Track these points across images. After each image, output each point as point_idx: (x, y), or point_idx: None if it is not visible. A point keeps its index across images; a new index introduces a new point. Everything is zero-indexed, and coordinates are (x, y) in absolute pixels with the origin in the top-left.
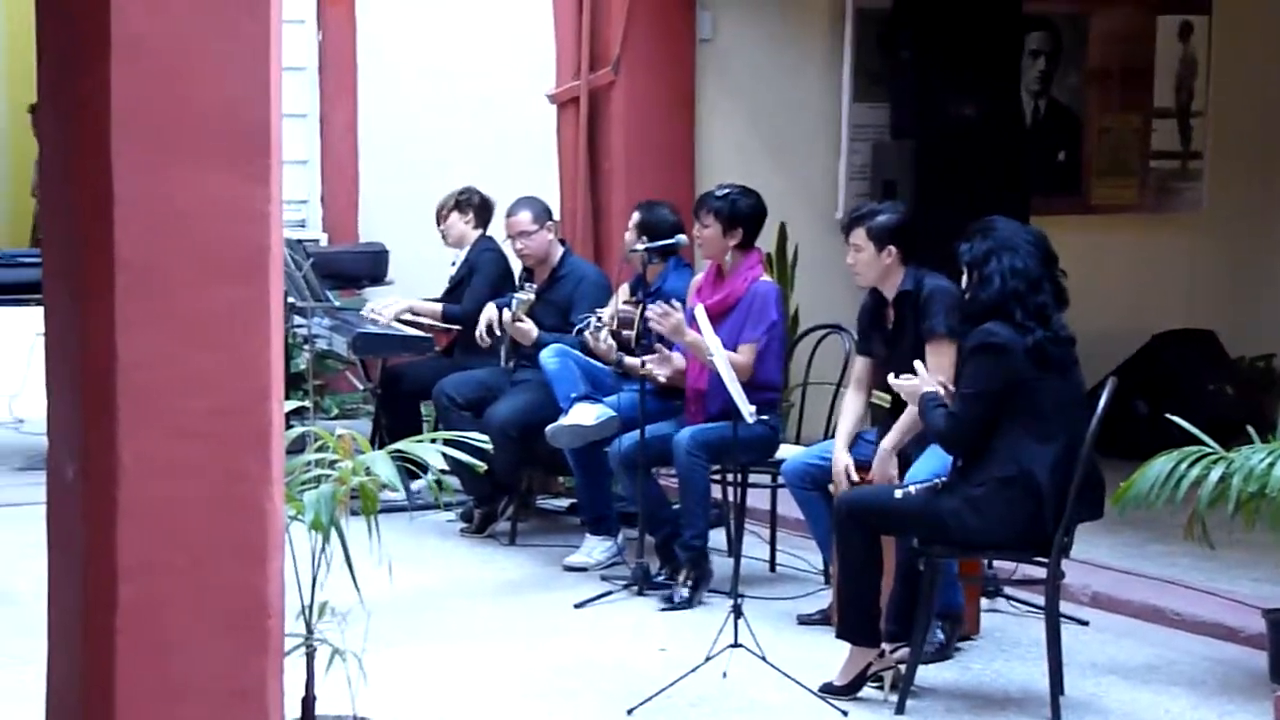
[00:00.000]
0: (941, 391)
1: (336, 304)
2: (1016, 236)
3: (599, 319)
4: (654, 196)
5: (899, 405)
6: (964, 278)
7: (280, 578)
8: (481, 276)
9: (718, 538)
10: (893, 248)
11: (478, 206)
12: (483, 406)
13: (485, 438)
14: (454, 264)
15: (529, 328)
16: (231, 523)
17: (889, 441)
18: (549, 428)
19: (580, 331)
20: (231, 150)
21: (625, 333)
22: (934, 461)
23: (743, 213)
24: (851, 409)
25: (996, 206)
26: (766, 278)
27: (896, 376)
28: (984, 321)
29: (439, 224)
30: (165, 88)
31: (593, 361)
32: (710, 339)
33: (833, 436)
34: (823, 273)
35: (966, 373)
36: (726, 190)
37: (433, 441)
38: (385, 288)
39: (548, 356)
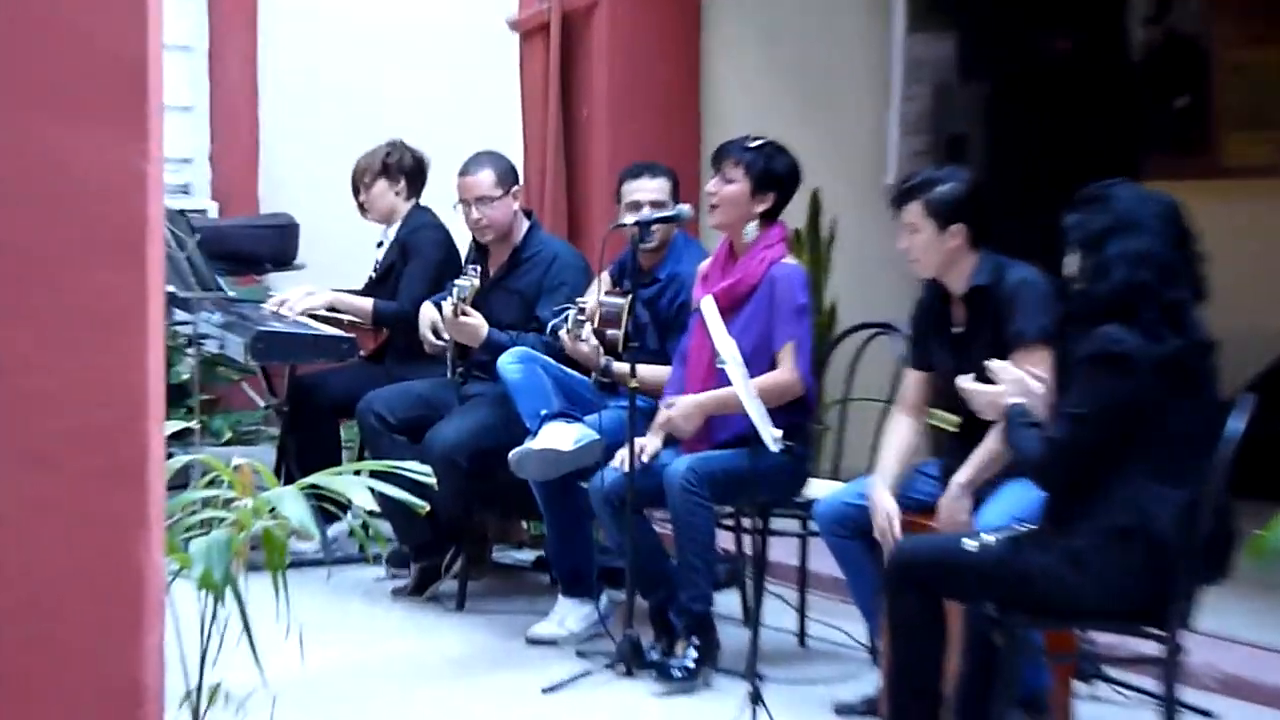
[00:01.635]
0: (1036, 387)
1: (230, 294)
2: (1142, 209)
3: (580, 311)
4: (645, 154)
5: (974, 430)
6: (1073, 263)
7: (159, 652)
8: (420, 261)
9: (729, 602)
10: (960, 226)
11: (410, 170)
12: (422, 428)
13: (426, 468)
14: (380, 243)
15: (476, 322)
16: (95, 579)
17: (964, 475)
18: (512, 454)
19: (555, 329)
20: (95, 93)
21: (610, 331)
22: (1016, 501)
23: (778, 171)
24: (899, 436)
25: (1097, 170)
26: (791, 259)
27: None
28: (1101, 323)
29: (358, 194)
30: (10, 12)
31: (567, 369)
32: (722, 342)
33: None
34: (868, 256)
35: (1077, 389)
36: (760, 141)
37: (357, 474)
38: (293, 273)
39: (509, 363)
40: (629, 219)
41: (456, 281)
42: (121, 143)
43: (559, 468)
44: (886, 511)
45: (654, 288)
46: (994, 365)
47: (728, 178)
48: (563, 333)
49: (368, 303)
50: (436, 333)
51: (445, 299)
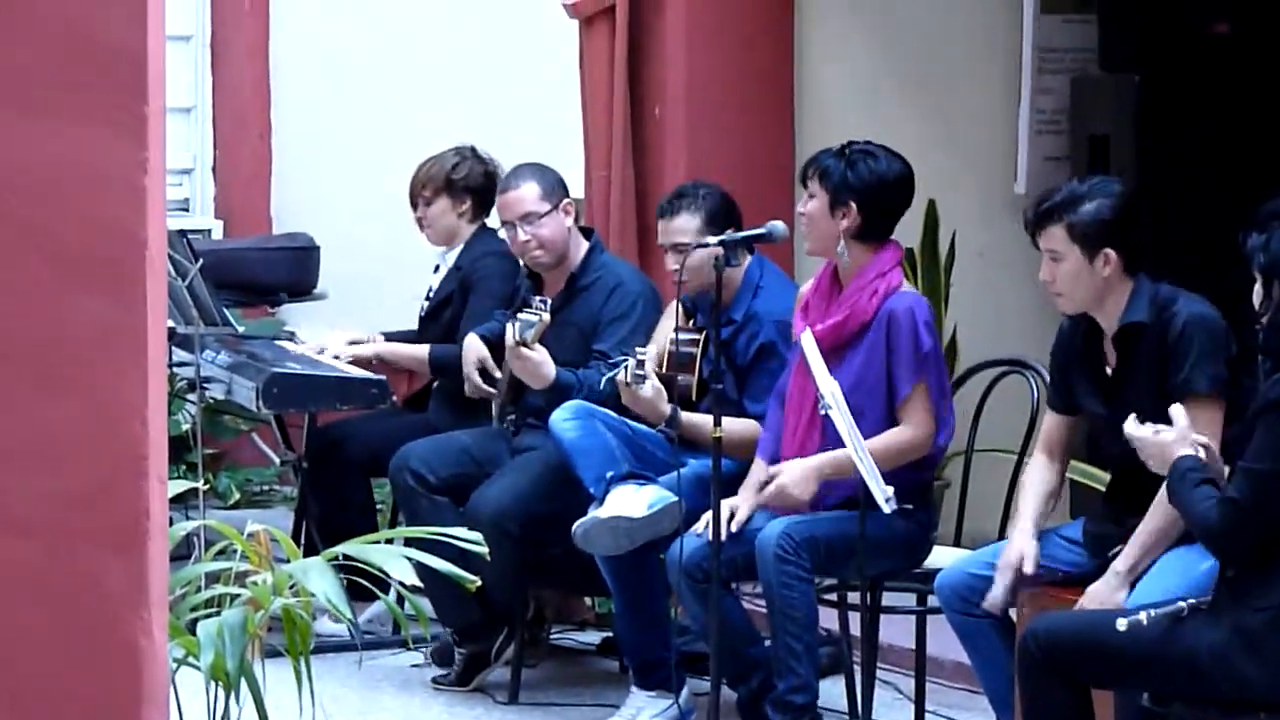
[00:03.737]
0: (1204, 455)
1: (238, 329)
2: None
3: (639, 361)
4: (729, 160)
5: (1126, 488)
6: (1259, 293)
7: None
8: (482, 297)
9: (832, 692)
10: (1110, 252)
11: (477, 187)
12: (468, 488)
13: (475, 536)
14: (437, 267)
15: (541, 358)
16: (84, 668)
17: (1125, 561)
18: (576, 526)
19: (612, 381)
20: (87, 91)
21: (682, 378)
22: (1178, 572)
23: (861, 181)
24: (1038, 484)
25: (1272, 178)
26: (909, 287)
27: (1141, 422)
28: None
29: (415, 208)
30: None
31: (633, 423)
32: (825, 382)
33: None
34: (995, 278)
35: (1261, 440)
36: (846, 145)
37: (390, 542)
38: (313, 304)
39: (563, 419)
40: (674, 262)
41: (520, 316)
42: (116, 150)
43: (632, 538)
44: (1019, 550)
45: (728, 330)
46: (1176, 411)
47: (810, 192)
48: (620, 380)
49: (422, 350)
50: (485, 372)
51: (506, 326)
